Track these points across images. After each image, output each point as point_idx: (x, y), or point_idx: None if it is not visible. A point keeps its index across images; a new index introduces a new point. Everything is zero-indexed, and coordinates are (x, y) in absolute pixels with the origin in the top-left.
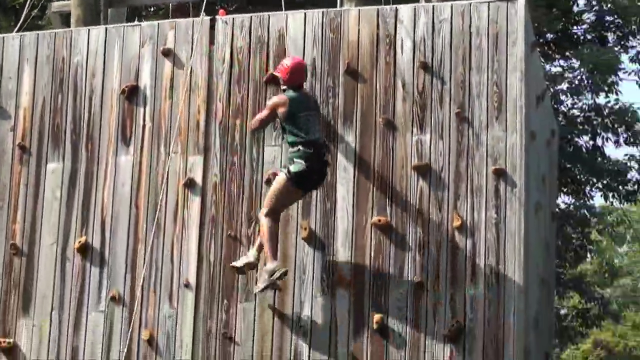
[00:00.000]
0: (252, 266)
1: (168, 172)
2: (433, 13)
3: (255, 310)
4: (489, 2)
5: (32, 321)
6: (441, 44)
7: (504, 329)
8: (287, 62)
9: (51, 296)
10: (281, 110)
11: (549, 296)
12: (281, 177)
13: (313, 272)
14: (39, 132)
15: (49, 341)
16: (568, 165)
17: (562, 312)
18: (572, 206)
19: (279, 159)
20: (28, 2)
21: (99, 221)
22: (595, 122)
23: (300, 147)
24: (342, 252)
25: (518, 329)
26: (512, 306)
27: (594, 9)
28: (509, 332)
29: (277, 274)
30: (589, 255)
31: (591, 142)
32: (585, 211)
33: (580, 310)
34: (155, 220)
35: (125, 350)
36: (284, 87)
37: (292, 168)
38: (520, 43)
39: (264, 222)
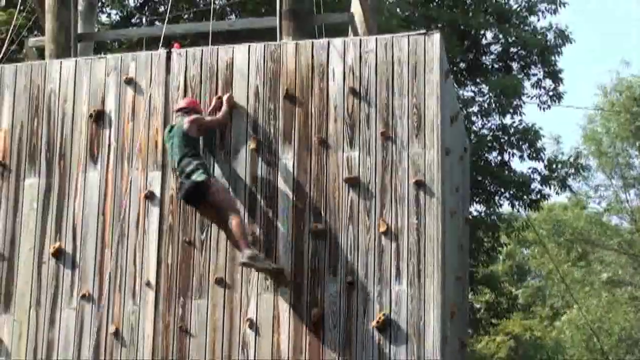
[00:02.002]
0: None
1: (130, 186)
2: (360, 45)
3: (207, 306)
4: (408, 36)
5: (13, 317)
6: (368, 72)
7: (425, 320)
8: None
9: (29, 295)
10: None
11: (463, 291)
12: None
13: (258, 273)
14: (17, 151)
15: (28, 335)
16: (479, 178)
17: (477, 306)
18: (483, 213)
19: (227, 173)
20: (8, 38)
21: (71, 229)
22: (502, 140)
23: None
24: (284, 255)
25: (437, 320)
26: (432, 300)
27: (500, 41)
28: (429, 324)
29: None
30: (499, 256)
31: (499, 158)
32: (495, 218)
33: (491, 304)
34: (120, 228)
35: (95, 342)
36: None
37: None
38: (436, 71)
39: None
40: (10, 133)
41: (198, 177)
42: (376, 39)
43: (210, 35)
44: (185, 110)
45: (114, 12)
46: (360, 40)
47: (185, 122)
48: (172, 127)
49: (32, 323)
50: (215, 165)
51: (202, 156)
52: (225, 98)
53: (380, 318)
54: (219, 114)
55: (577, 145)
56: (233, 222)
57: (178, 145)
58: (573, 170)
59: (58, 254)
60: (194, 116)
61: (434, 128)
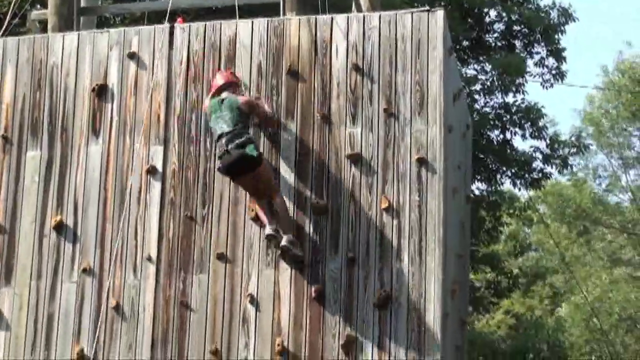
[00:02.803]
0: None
1: (132, 160)
2: (364, 22)
3: (208, 281)
4: (412, 13)
5: (14, 290)
6: (371, 48)
7: (426, 297)
8: (214, 79)
9: (30, 268)
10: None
11: (464, 269)
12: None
13: (259, 248)
14: (19, 124)
15: (28, 307)
16: (481, 156)
17: (477, 285)
18: (484, 191)
19: None
20: (10, 11)
21: (72, 202)
22: (504, 119)
23: (217, 147)
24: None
25: (437, 297)
26: (433, 277)
27: (503, 20)
28: (430, 300)
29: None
30: (501, 235)
31: (501, 136)
32: (497, 197)
33: (492, 282)
34: (122, 201)
35: (95, 315)
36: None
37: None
38: (439, 48)
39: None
40: (12, 106)
41: (251, 151)
42: (380, 15)
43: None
44: (228, 85)
45: None
46: (364, 16)
47: (241, 99)
48: (221, 100)
49: (32, 296)
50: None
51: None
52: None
53: (380, 294)
54: (269, 111)
55: (577, 126)
56: (279, 201)
57: (230, 118)
58: (575, 150)
59: (59, 227)
60: (253, 100)
61: (437, 105)
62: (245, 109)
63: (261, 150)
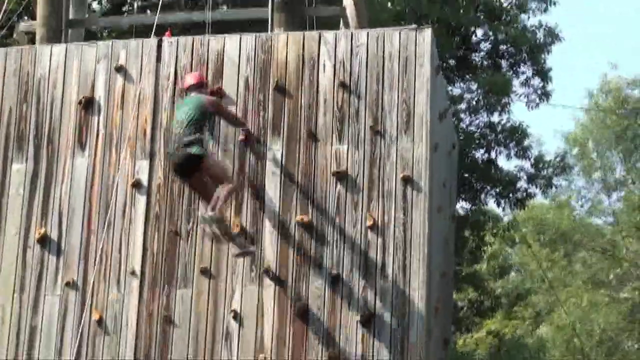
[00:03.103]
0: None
1: (118, 173)
2: (352, 39)
3: (192, 296)
4: (400, 30)
5: None
6: (358, 65)
7: (409, 315)
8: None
9: (13, 280)
10: None
11: (448, 288)
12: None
13: (244, 263)
14: (5, 137)
15: (11, 320)
16: (466, 175)
17: (459, 304)
18: (469, 211)
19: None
20: None
21: (57, 215)
22: (489, 138)
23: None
24: (269, 246)
25: (421, 315)
26: (417, 295)
27: (490, 39)
28: (413, 318)
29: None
30: (484, 255)
31: (486, 155)
32: (481, 216)
33: (475, 302)
34: (107, 215)
35: (78, 329)
36: None
37: None
38: (427, 66)
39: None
40: None
41: (195, 150)
42: (367, 32)
43: (209, 26)
44: (198, 86)
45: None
46: (352, 33)
47: (207, 99)
48: (186, 99)
49: (15, 308)
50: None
51: (205, 133)
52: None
53: (365, 312)
54: (238, 117)
55: (562, 147)
56: (226, 187)
57: (188, 113)
58: (559, 170)
59: (43, 239)
60: (217, 101)
61: (423, 123)
62: (210, 108)
63: (206, 152)
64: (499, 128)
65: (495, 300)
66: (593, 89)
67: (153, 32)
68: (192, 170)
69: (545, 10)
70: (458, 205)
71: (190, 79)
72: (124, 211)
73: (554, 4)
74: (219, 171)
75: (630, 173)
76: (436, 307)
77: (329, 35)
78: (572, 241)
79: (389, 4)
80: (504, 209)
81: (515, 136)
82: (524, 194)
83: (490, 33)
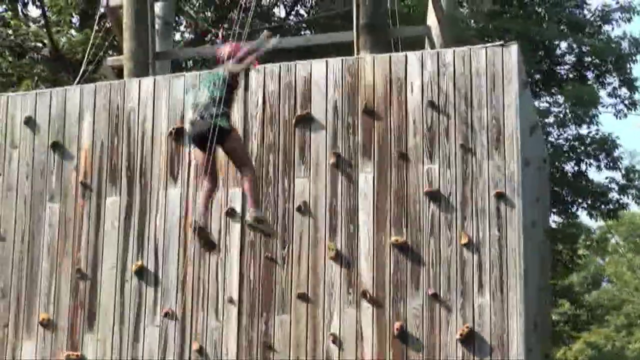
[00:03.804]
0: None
1: (212, 202)
2: (438, 58)
3: (290, 321)
4: (486, 48)
5: (97, 336)
6: (446, 84)
7: (509, 332)
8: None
9: (112, 313)
10: None
11: (545, 302)
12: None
13: (340, 287)
14: (98, 170)
15: (112, 353)
16: (556, 189)
17: (555, 318)
18: (561, 225)
19: (307, 189)
20: (86, 58)
21: (153, 247)
22: (579, 150)
23: (191, 113)
24: (365, 269)
25: (520, 332)
26: (515, 312)
27: (574, 51)
28: (512, 335)
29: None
30: (577, 269)
31: (576, 168)
32: (574, 229)
33: (571, 316)
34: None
35: (179, 359)
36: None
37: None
38: (514, 82)
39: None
40: (90, 152)
41: (222, 122)
42: (454, 51)
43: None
44: (228, 58)
45: (188, 30)
46: (438, 52)
47: (228, 74)
48: (216, 73)
49: (115, 341)
50: (296, 180)
51: (232, 107)
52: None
53: (463, 330)
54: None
55: None
56: (246, 179)
57: (211, 87)
58: None
59: (140, 271)
60: (235, 71)
61: (514, 140)
62: (229, 77)
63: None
64: (588, 140)
65: (591, 313)
66: None
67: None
68: (213, 141)
69: (630, 20)
70: (550, 219)
71: (224, 52)
72: (219, 239)
73: (638, 13)
74: (241, 153)
75: None
76: (535, 322)
77: (415, 55)
78: None
79: (472, 21)
80: (596, 220)
81: (605, 147)
82: (616, 204)
83: (575, 45)
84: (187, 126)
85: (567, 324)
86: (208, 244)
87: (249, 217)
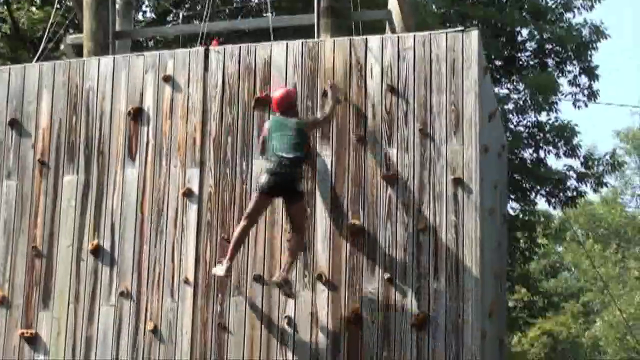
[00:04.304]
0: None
1: (169, 183)
2: (398, 43)
3: (246, 303)
4: (446, 33)
5: (52, 314)
6: (405, 69)
7: (463, 317)
8: (274, 94)
9: (68, 292)
10: (264, 130)
11: (501, 289)
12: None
13: (296, 269)
14: (56, 148)
15: (67, 331)
16: (515, 176)
17: (511, 304)
18: (519, 211)
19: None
20: (46, 35)
21: (109, 226)
22: (538, 137)
23: (268, 162)
24: (322, 252)
25: (476, 317)
26: (470, 297)
27: (535, 38)
28: (468, 320)
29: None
30: (535, 256)
31: (535, 155)
32: (532, 217)
33: (527, 302)
34: (159, 224)
35: (133, 339)
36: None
37: (260, 179)
38: (474, 68)
39: (239, 225)
40: (49, 130)
41: (299, 187)
42: (414, 36)
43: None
44: (292, 105)
45: (149, 9)
46: (398, 37)
47: (307, 123)
48: (282, 119)
49: (70, 320)
50: (254, 161)
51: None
52: (330, 91)
53: (418, 315)
54: (327, 109)
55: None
56: (295, 242)
57: (293, 140)
58: (610, 168)
59: (96, 250)
60: (312, 118)
61: (472, 125)
62: (307, 130)
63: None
64: (547, 127)
65: (547, 300)
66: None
67: (199, 41)
68: (282, 197)
69: (592, 7)
70: (508, 206)
71: (277, 95)
72: (175, 220)
73: (599, 1)
74: (302, 219)
75: None
76: (490, 309)
77: (375, 40)
78: (625, 237)
79: (433, 6)
80: (554, 208)
81: (564, 135)
82: (574, 192)
83: (536, 32)
84: (263, 176)
85: (524, 310)
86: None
87: (278, 277)
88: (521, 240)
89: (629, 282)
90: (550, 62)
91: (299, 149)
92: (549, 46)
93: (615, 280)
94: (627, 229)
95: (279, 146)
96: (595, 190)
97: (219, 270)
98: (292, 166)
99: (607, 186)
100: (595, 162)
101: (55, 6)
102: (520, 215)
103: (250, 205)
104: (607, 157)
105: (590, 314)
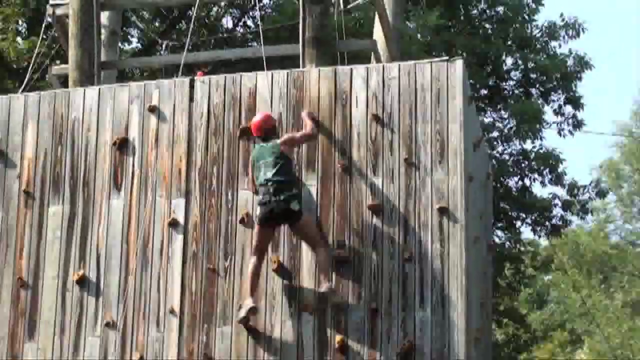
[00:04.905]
0: (254, 311)
1: (154, 213)
2: (383, 72)
3: (232, 333)
4: (431, 63)
5: (37, 345)
6: (390, 98)
7: (449, 346)
8: (254, 119)
9: (53, 323)
10: (250, 167)
11: (487, 318)
12: (310, 218)
13: (282, 299)
14: (41, 180)
15: None
16: (500, 204)
17: (498, 338)
18: (504, 240)
19: (250, 201)
20: (31, 66)
21: (95, 256)
22: (523, 165)
23: (259, 194)
24: (307, 282)
25: (461, 346)
26: (456, 327)
27: (520, 68)
28: (453, 350)
29: (243, 311)
30: (522, 289)
31: (520, 183)
32: (518, 246)
33: (512, 337)
34: (144, 255)
35: None
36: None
37: (257, 213)
38: (459, 97)
39: (250, 262)
40: (34, 161)
41: (295, 205)
42: (399, 65)
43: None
44: (271, 131)
45: (135, 40)
46: (383, 66)
47: (281, 142)
48: (261, 146)
49: (56, 350)
50: (239, 191)
51: (300, 186)
52: (305, 114)
53: (404, 344)
54: (307, 128)
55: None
56: (320, 255)
57: (273, 165)
58: (595, 195)
59: (82, 281)
60: (287, 135)
61: (458, 154)
62: (286, 150)
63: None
64: (532, 155)
65: (533, 334)
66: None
67: (181, 71)
68: (283, 223)
69: (578, 35)
70: (494, 236)
71: (258, 120)
72: (161, 250)
73: (584, 30)
74: (313, 233)
75: None
76: (476, 338)
77: (360, 69)
78: (610, 266)
79: (419, 36)
80: (539, 237)
81: (549, 162)
82: (560, 220)
83: (520, 62)
84: (257, 208)
85: (509, 344)
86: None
87: (324, 288)
88: (507, 272)
89: (614, 312)
90: (534, 91)
91: (282, 170)
92: (533, 75)
93: (601, 309)
94: (611, 259)
95: (263, 175)
96: (581, 218)
97: (244, 310)
98: (281, 190)
99: (592, 214)
100: (581, 190)
101: (41, 36)
102: (507, 245)
103: (254, 239)
104: (592, 185)
105: (577, 342)
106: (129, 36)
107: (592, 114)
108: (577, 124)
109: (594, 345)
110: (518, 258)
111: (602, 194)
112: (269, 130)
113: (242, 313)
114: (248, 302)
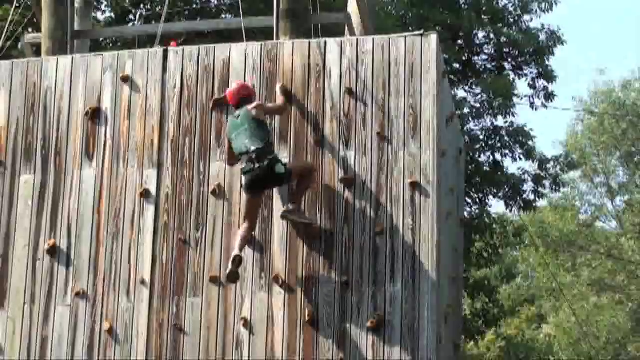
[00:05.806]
0: (238, 260)
1: (126, 183)
2: (357, 46)
3: (202, 305)
4: (405, 37)
5: (7, 314)
6: (364, 72)
7: (419, 321)
8: (230, 87)
9: (24, 292)
10: (227, 139)
11: (457, 293)
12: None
13: (253, 271)
14: (13, 149)
15: (22, 332)
16: (472, 180)
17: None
18: (475, 215)
19: (222, 173)
20: (4, 34)
21: (66, 226)
22: (494, 141)
23: (241, 162)
24: (278, 254)
25: (431, 321)
26: (427, 301)
27: (492, 42)
28: (423, 324)
29: (230, 265)
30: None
31: (491, 159)
32: (487, 219)
33: (481, 310)
34: (116, 225)
35: (89, 339)
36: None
37: (242, 182)
38: (433, 72)
39: (242, 225)
40: (6, 130)
41: (279, 169)
42: (373, 39)
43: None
44: (245, 100)
45: (109, 9)
46: (357, 40)
47: (251, 108)
48: (236, 117)
49: (26, 320)
50: (211, 163)
51: (274, 146)
52: (279, 87)
53: (375, 318)
54: (278, 101)
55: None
56: (302, 183)
57: (250, 131)
58: (565, 167)
59: (53, 251)
60: (256, 102)
61: (430, 129)
62: (260, 115)
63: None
64: (504, 131)
65: (501, 309)
66: (583, 94)
67: (157, 42)
68: (268, 186)
69: (551, 8)
70: (465, 210)
71: (239, 91)
72: (132, 221)
73: (556, 3)
74: (303, 168)
75: (635, 177)
76: (446, 312)
77: (334, 42)
78: (577, 245)
79: (392, 9)
80: (511, 211)
81: (520, 138)
82: (532, 194)
83: (493, 36)
84: (242, 177)
85: (478, 317)
86: (232, 276)
87: (291, 207)
88: (477, 245)
89: (581, 289)
90: (507, 65)
91: (258, 137)
92: (506, 50)
93: (567, 287)
94: (579, 236)
95: (240, 145)
96: (553, 191)
97: (230, 264)
98: (261, 156)
99: (563, 185)
100: (551, 163)
101: (14, 5)
102: (477, 219)
103: (244, 207)
104: (562, 157)
105: (544, 318)
106: (102, 5)
107: (568, 89)
108: (548, 96)
109: (561, 321)
110: (487, 229)
111: (572, 165)
112: (244, 99)
113: (230, 267)
114: (233, 254)
